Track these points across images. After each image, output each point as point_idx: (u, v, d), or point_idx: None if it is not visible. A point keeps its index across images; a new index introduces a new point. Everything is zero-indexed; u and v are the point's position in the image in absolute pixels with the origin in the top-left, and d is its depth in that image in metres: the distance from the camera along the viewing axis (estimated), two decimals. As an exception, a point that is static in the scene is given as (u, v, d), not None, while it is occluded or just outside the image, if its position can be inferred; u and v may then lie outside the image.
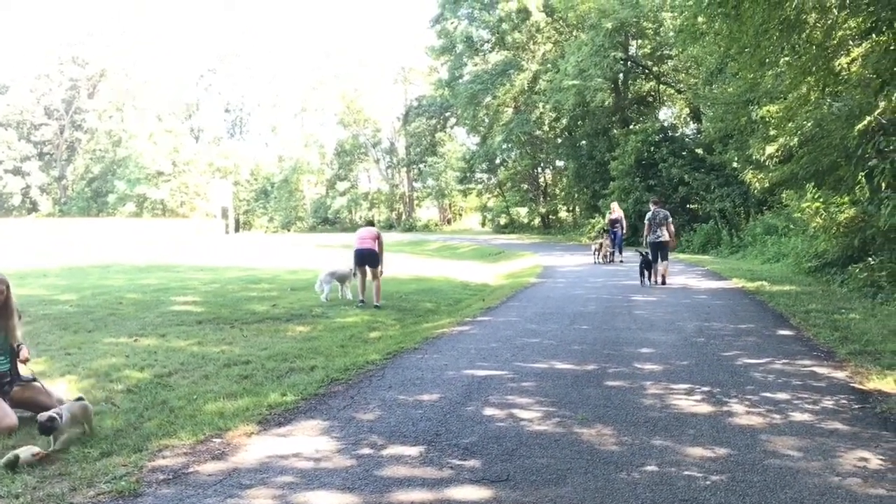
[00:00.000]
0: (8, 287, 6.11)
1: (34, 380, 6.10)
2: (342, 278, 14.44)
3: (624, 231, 23.52)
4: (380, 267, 13.59)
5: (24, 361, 6.02)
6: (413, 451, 5.01)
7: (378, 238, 13.65)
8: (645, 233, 16.19)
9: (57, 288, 16.19)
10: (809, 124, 17.09)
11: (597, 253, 22.70)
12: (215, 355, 8.65)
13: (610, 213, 24.06)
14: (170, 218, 65.96)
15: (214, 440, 5.31)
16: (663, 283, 15.73)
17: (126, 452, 5.07)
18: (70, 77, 74.87)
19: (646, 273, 15.79)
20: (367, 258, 13.51)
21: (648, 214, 16.18)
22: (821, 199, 15.87)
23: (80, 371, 7.74)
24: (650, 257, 15.83)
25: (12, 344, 6.04)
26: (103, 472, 4.66)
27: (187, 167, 71.27)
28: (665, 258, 15.94)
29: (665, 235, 15.82)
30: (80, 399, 5.56)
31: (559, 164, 51.01)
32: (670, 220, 16.12)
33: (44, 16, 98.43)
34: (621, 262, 22.16)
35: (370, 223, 14.51)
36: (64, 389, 6.65)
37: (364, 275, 13.67)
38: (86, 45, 75.90)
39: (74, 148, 77.11)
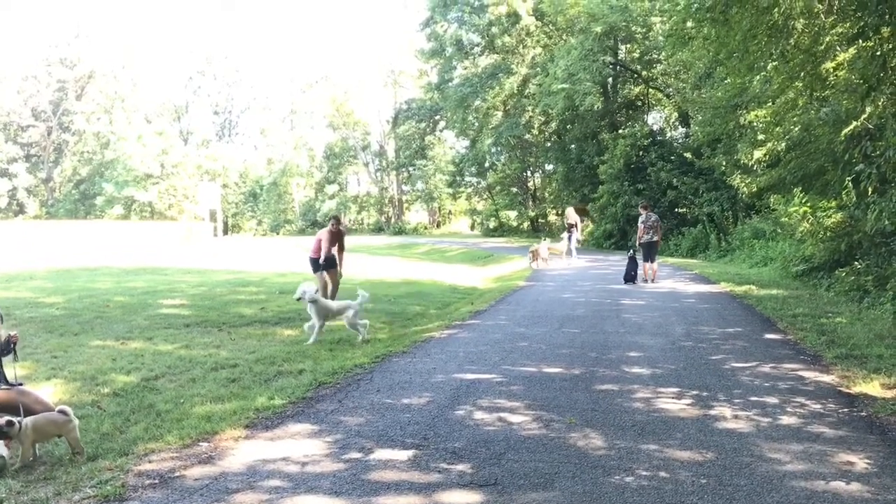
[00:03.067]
0: None
1: (21, 384, 6.01)
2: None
3: (580, 235, 24.06)
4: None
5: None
6: (401, 455, 5.00)
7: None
8: (639, 234, 17.43)
9: (43, 291, 16.07)
10: (797, 129, 17.16)
11: (536, 257, 22.58)
12: (203, 359, 8.61)
13: (566, 218, 24.69)
14: (158, 220, 65.57)
15: (201, 444, 5.28)
16: (653, 280, 17.01)
17: (112, 456, 5.04)
18: (58, 78, 74.31)
19: (633, 273, 16.98)
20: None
21: (641, 217, 17.56)
22: (808, 204, 15.97)
23: (66, 374, 7.69)
24: (638, 257, 17.25)
25: None
26: (89, 477, 4.63)
27: (175, 170, 70.85)
28: (654, 259, 17.34)
29: (656, 236, 17.33)
30: (61, 412, 5.15)
31: (548, 167, 51.05)
32: (660, 222, 17.85)
33: (31, 16, 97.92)
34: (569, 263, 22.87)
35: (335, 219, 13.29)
36: (49, 393, 6.60)
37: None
38: (73, 46, 75.45)
39: (62, 150, 76.53)
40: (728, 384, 6.97)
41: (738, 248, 24.76)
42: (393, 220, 73.25)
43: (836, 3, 11.26)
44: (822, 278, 15.37)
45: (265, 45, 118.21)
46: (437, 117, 63.12)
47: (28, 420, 5.06)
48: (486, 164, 54.64)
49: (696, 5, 12.85)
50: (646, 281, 16.99)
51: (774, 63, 13.78)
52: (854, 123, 12.63)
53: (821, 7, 11.74)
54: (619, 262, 20.73)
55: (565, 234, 24.50)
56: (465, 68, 47.11)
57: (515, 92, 42.98)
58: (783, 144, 18.11)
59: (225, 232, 65.18)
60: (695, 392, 6.65)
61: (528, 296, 15.21)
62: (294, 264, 24.62)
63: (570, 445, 5.17)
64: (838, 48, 12.67)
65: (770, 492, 4.28)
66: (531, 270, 21.41)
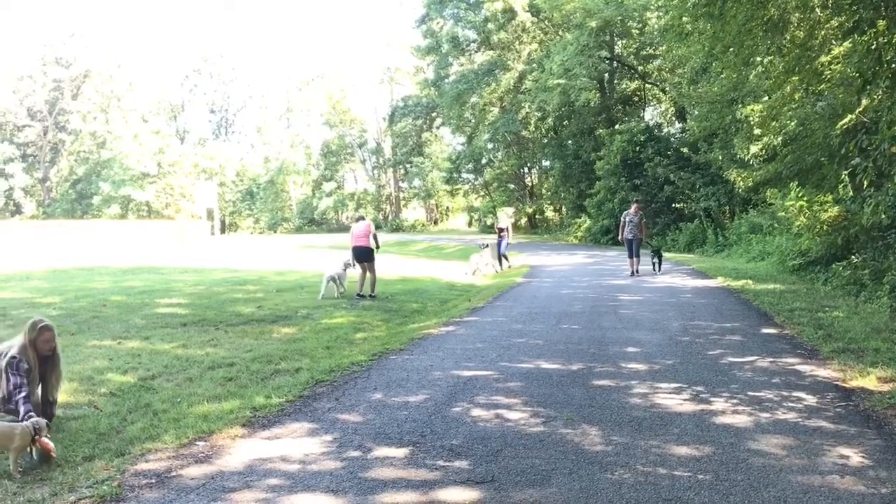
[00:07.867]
0: (55, 335, 5.84)
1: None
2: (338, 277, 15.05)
3: (510, 240, 23.41)
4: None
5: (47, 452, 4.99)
6: (399, 452, 5.00)
7: (370, 232, 15.00)
8: (624, 230, 18.10)
9: (41, 291, 16.04)
10: (793, 123, 17.20)
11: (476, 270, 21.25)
12: (200, 358, 8.60)
13: (497, 222, 24.44)
14: (155, 220, 65.50)
15: (199, 443, 5.28)
16: (636, 273, 17.75)
17: (108, 456, 5.03)
18: (53, 78, 74.11)
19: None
20: (364, 255, 14.82)
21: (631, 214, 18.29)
22: (804, 198, 15.97)
23: (63, 374, 7.64)
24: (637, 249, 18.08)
25: (48, 397, 5.82)
26: (85, 477, 4.62)
27: (172, 168, 70.81)
28: (636, 254, 17.99)
29: (632, 233, 17.79)
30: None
31: (545, 163, 51.09)
32: (636, 218, 18.37)
33: (26, 16, 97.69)
34: (509, 267, 22.14)
35: (362, 218, 15.70)
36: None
37: (364, 270, 14.88)
38: (69, 45, 75.28)
39: (58, 149, 76.40)
40: (725, 379, 6.97)
41: (735, 243, 24.78)
42: (390, 217, 73.31)
43: (831, -4, 11.26)
44: (818, 272, 15.38)
45: (261, 43, 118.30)
46: (434, 114, 63.25)
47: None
48: (483, 161, 54.76)
49: (691, 0, 12.85)
50: (632, 274, 17.55)
51: (770, 57, 13.79)
52: (850, 117, 12.66)
53: (816, 1, 11.74)
54: (614, 257, 20.77)
55: (494, 240, 23.28)
56: (462, 65, 47.18)
57: (511, 88, 43.06)
58: (779, 139, 18.14)
59: (222, 230, 65.19)
60: (692, 387, 6.65)
61: (526, 292, 15.21)
62: (292, 262, 24.62)
63: (567, 442, 5.17)
64: (834, 42, 12.68)
65: (767, 486, 4.28)
66: (528, 268, 21.39)
